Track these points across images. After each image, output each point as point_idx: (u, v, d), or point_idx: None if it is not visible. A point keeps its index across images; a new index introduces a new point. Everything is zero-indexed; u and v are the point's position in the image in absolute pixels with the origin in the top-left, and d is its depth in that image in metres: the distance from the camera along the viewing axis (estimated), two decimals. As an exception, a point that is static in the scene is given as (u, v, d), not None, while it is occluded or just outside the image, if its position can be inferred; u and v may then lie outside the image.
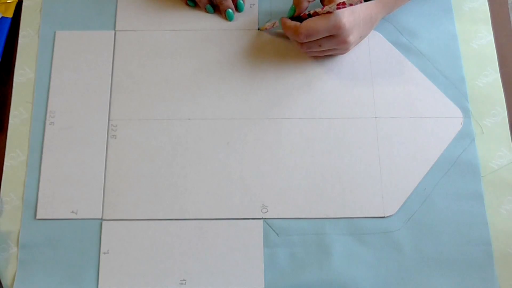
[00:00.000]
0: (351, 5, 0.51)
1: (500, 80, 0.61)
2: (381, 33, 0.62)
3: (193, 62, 0.61)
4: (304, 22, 0.55)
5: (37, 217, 0.55)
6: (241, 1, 0.62)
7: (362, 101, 0.60)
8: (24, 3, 0.64)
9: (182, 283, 0.54)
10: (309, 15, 0.56)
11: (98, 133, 0.58)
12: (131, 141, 0.58)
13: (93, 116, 0.59)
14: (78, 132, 0.58)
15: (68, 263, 0.54)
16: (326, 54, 0.59)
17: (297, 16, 0.57)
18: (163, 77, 0.61)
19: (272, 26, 0.61)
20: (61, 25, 0.63)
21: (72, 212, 0.56)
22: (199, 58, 0.61)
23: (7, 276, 0.54)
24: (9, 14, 0.63)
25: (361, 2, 0.50)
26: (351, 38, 0.55)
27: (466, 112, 0.60)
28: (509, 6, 0.66)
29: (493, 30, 0.63)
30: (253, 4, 0.64)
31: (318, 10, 0.54)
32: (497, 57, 0.62)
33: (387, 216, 0.56)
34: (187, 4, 0.63)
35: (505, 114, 0.60)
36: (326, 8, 0.53)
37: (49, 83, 0.60)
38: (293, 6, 0.57)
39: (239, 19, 0.63)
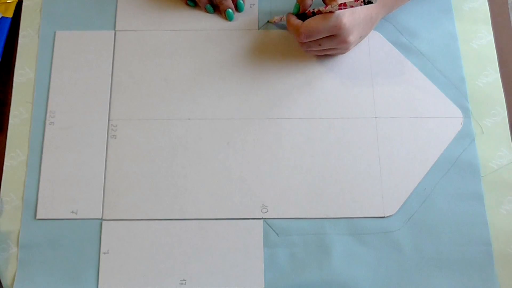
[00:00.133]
0: (351, 6, 0.52)
1: (500, 80, 0.61)
2: (381, 33, 0.62)
3: (193, 62, 0.61)
4: (305, 22, 0.55)
5: (37, 217, 0.55)
6: (241, 1, 0.62)
7: (362, 101, 0.60)
8: (24, 3, 0.64)
9: (182, 283, 0.54)
10: (313, 13, 0.56)
11: (98, 133, 0.58)
12: (131, 141, 0.58)
13: (93, 116, 0.59)
14: (78, 132, 0.58)
15: (68, 263, 0.54)
16: (326, 54, 0.60)
17: (303, 13, 0.58)
18: (163, 77, 0.61)
19: (280, 20, 0.61)
20: (61, 25, 0.63)
21: (72, 212, 0.56)
22: (199, 58, 0.61)
23: (7, 276, 0.54)
24: (9, 14, 0.63)
25: (361, 5, 0.51)
26: (351, 38, 0.55)
27: (466, 112, 0.60)
28: (509, 6, 0.66)
29: (493, 30, 0.63)
30: (253, 4, 0.64)
31: (322, 8, 0.54)
32: (497, 57, 0.62)
33: (387, 216, 0.56)
34: (187, 4, 0.63)
35: (505, 114, 0.60)
36: (329, 8, 0.53)
37: (49, 83, 0.60)
38: (297, 3, 0.58)
39: (239, 19, 0.63)
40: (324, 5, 0.55)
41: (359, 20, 0.55)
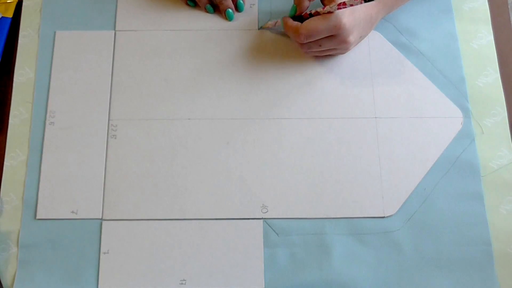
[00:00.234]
0: (351, 5, 0.51)
1: (500, 80, 0.61)
2: (381, 33, 0.62)
3: (193, 62, 0.61)
4: (305, 23, 0.55)
5: (37, 217, 0.55)
6: (241, 1, 0.62)
7: (362, 101, 0.60)
8: (24, 3, 0.64)
9: (182, 283, 0.54)
10: (311, 15, 0.56)
11: (98, 133, 0.58)
12: (131, 141, 0.58)
13: (93, 116, 0.59)
14: (78, 132, 0.58)
15: (68, 263, 0.54)
16: (326, 54, 0.60)
17: (299, 16, 0.57)
18: (163, 77, 0.61)
19: (274, 25, 0.61)
20: (61, 25, 0.63)
21: (72, 212, 0.56)
22: (199, 58, 0.61)
23: (7, 276, 0.54)
24: (9, 14, 0.63)
25: (361, 3, 0.51)
26: (351, 38, 0.55)
27: (466, 112, 0.60)
28: (509, 6, 0.66)
29: (493, 30, 0.63)
30: (253, 4, 0.64)
31: (319, 9, 0.54)
32: (497, 57, 0.62)
33: (387, 216, 0.56)
34: (187, 4, 0.63)
35: (505, 114, 0.60)
36: (327, 8, 0.53)
37: (49, 83, 0.60)
38: (294, 5, 0.58)
39: (239, 19, 0.63)
40: (322, 6, 0.54)
41: (359, 20, 0.55)
